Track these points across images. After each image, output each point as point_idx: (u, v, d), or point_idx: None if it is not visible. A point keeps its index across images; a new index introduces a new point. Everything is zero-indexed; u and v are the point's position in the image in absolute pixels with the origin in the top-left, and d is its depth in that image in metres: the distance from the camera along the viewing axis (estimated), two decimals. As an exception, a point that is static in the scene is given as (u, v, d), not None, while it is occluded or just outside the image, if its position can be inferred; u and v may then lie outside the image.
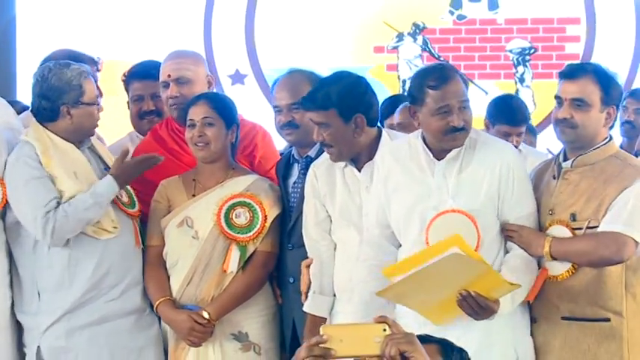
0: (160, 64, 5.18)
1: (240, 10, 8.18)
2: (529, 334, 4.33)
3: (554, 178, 4.38)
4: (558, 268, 4.26)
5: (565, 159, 4.36)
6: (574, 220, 4.26)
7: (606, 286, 4.25)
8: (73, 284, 4.69)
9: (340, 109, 4.46)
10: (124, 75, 5.45)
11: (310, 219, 4.62)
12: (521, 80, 8.15)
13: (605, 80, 4.29)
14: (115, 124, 5.59)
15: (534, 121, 7.93)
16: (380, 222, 4.38)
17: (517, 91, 8.11)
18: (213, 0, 8.19)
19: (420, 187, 4.30)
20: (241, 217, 4.72)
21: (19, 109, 5.74)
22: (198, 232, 4.74)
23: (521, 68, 8.17)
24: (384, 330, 2.81)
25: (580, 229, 4.22)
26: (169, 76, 5.03)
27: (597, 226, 4.20)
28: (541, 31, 8.22)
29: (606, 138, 4.33)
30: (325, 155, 4.60)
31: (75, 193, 4.63)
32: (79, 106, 4.71)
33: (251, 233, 4.71)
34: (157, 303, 4.74)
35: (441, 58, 8.14)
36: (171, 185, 4.84)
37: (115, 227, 4.70)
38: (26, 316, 4.80)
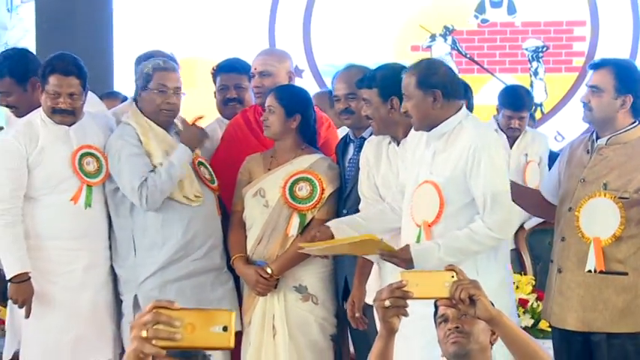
0: (241, 60, 5.26)
1: (298, 15, 8.17)
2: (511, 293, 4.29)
3: (588, 152, 4.35)
4: (604, 235, 4.21)
5: (597, 137, 4.34)
6: (605, 188, 4.23)
7: (627, 246, 4.21)
8: (165, 244, 4.72)
9: (380, 90, 4.49)
10: (213, 69, 5.43)
11: (364, 183, 4.61)
12: (535, 74, 8.09)
13: (621, 71, 4.27)
14: (196, 112, 5.60)
15: (546, 107, 7.95)
16: (402, 192, 4.38)
17: (532, 83, 8.05)
18: (277, 5, 8.19)
19: (416, 163, 4.29)
20: (303, 190, 4.72)
21: (122, 98, 5.81)
22: (268, 201, 4.75)
23: (535, 64, 8.10)
24: (452, 277, 2.83)
25: (624, 198, 4.17)
26: (256, 69, 5.05)
27: (627, 198, 4.17)
28: (552, 32, 8.15)
29: (635, 121, 4.30)
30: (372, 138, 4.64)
31: None
32: (145, 90, 4.75)
33: (310, 204, 4.71)
34: (233, 258, 4.78)
35: (468, 55, 8.11)
36: (253, 160, 4.87)
37: (197, 197, 4.74)
38: (123, 269, 4.82)
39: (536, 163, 6.30)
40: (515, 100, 6.20)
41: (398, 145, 4.55)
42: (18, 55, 5.13)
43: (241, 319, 4.81)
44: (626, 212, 4.18)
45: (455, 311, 3.23)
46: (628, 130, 4.29)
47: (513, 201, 4.23)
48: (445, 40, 8.15)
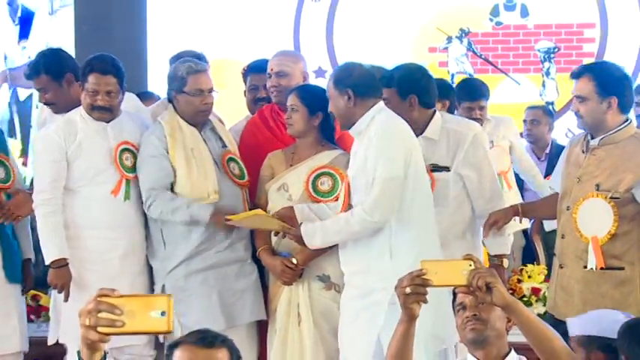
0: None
1: (322, 17, 8.16)
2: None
3: (583, 152, 4.35)
4: (600, 233, 4.21)
5: (592, 137, 4.33)
6: (598, 189, 4.23)
7: (622, 242, 4.22)
8: (191, 237, 4.73)
9: (398, 88, 4.49)
10: (243, 69, 5.46)
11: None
12: (547, 74, 8.05)
13: (599, 76, 4.26)
14: (226, 111, 5.61)
15: (558, 106, 7.90)
16: None
17: (544, 82, 8.03)
18: (302, 8, 8.18)
19: None
20: (325, 185, 4.71)
21: (157, 98, 5.80)
22: (292, 195, 4.75)
23: (547, 64, 8.06)
24: (470, 265, 2.83)
25: (615, 198, 4.18)
26: (272, 69, 5.03)
27: (618, 198, 4.17)
28: (563, 34, 8.11)
29: (625, 121, 4.29)
30: None
31: (185, 173, 4.68)
32: (182, 94, 4.74)
33: (331, 197, 4.68)
34: (259, 250, 4.77)
35: (483, 56, 8.08)
36: (275, 157, 4.87)
37: (215, 193, 4.72)
38: (155, 260, 4.86)
39: (503, 148, 6.22)
40: (472, 91, 6.13)
41: None
42: (52, 53, 5.19)
43: (267, 307, 4.81)
44: (620, 210, 4.18)
45: (472, 299, 3.24)
46: (619, 130, 4.27)
47: (544, 218, 4.26)
48: (461, 41, 8.12)
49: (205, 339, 2.76)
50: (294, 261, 4.67)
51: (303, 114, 4.71)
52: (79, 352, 2.19)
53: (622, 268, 4.22)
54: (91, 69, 4.72)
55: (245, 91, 5.44)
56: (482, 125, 5.95)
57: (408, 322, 2.92)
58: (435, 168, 4.61)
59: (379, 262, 4.34)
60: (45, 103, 5.11)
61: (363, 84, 4.34)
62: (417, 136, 4.53)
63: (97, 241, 4.76)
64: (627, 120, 4.31)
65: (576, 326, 3.58)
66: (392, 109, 4.45)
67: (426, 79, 4.66)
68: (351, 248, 4.46)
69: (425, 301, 2.84)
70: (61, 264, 4.70)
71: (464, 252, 4.34)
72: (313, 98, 4.71)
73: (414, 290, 2.82)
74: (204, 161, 4.74)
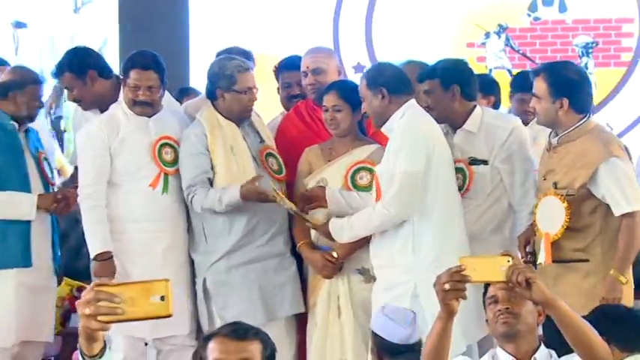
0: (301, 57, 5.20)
1: (361, 13, 8.16)
2: None
3: (547, 150, 4.42)
4: (553, 230, 4.27)
5: (556, 135, 4.39)
6: (556, 187, 4.30)
7: (585, 235, 4.29)
8: (232, 231, 4.76)
9: (442, 79, 4.51)
10: (275, 67, 5.45)
11: None
12: (585, 69, 7.98)
13: (552, 77, 4.33)
14: (267, 106, 5.62)
15: (596, 101, 7.82)
16: None
17: (582, 77, 7.97)
18: (341, 5, 8.17)
19: None
20: (364, 179, 4.72)
21: (197, 94, 5.82)
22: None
23: (585, 59, 7.98)
24: (508, 261, 2.82)
25: (570, 195, 4.25)
26: (308, 67, 5.04)
27: (574, 195, 4.24)
28: (601, 28, 8.02)
29: (583, 118, 4.33)
30: None
31: (224, 170, 4.71)
32: (230, 92, 4.76)
33: (370, 191, 4.65)
34: (299, 244, 4.79)
35: (521, 52, 8.04)
36: (312, 152, 4.89)
37: None
38: (196, 254, 4.89)
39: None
40: (528, 83, 6.10)
41: (454, 134, 4.57)
42: (74, 51, 5.23)
43: (306, 301, 4.84)
44: (579, 205, 4.24)
45: (505, 292, 3.26)
46: (575, 127, 4.31)
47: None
48: (499, 37, 8.07)
49: (238, 331, 2.78)
50: (335, 254, 4.69)
51: (348, 112, 4.72)
52: (79, 345, 2.19)
53: (587, 260, 4.28)
54: (132, 65, 4.77)
55: (278, 89, 5.46)
56: (532, 119, 5.98)
57: (446, 318, 2.91)
58: (473, 161, 4.62)
59: (402, 256, 4.42)
60: (73, 101, 5.16)
61: (395, 82, 4.46)
62: (457, 128, 4.56)
63: (140, 234, 4.81)
64: (584, 118, 4.34)
65: None
66: (434, 101, 4.54)
67: (468, 72, 4.75)
68: (377, 242, 4.53)
69: (464, 297, 2.84)
70: (106, 257, 4.75)
71: (500, 246, 4.40)
72: (354, 94, 4.70)
73: (452, 286, 2.80)
74: (243, 157, 4.77)
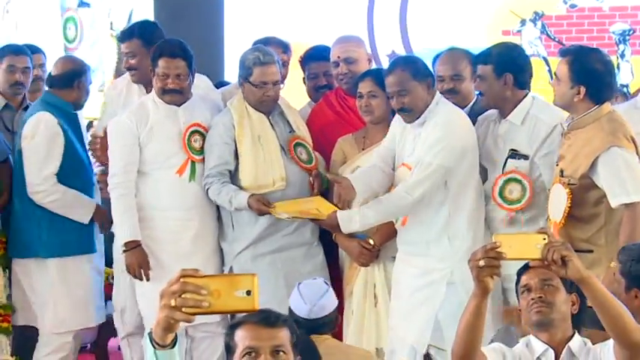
0: (328, 47, 5.17)
1: (395, 2, 8.11)
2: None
3: (562, 136, 4.35)
4: (558, 217, 4.21)
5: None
6: (562, 174, 4.23)
7: (590, 226, 4.23)
8: (258, 220, 4.76)
9: (495, 66, 4.44)
10: (301, 57, 5.41)
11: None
12: (622, 56, 7.89)
13: (576, 63, 4.22)
14: (302, 95, 5.57)
15: (632, 88, 7.73)
16: None
17: (618, 65, 7.83)
18: (375, -7, 8.14)
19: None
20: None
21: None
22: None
23: (622, 46, 7.89)
24: (544, 239, 2.77)
25: (573, 184, 4.18)
26: (339, 57, 5.01)
27: (575, 184, 4.16)
28: (639, 15, 7.93)
29: (594, 106, 4.22)
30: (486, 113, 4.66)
31: (251, 160, 4.72)
32: (247, 83, 4.76)
33: (407, 177, 4.67)
34: (335, 233, 4.75)
35: (557, 39, 7.96)
36: (345, 142, 4.87)
37: (282, 179, 4.74)
38: (224, 243, 4.91)
39: None
40: None
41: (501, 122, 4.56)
42: (147, 21, 5.45)
43: (343, 290, 4.81)
44: (583, 195, 4.17)
45: (538, 281, 3.24)
46: (586, 114, 4.22)
47: None
48: (535, 24, 8.00)
49: (267, 318, 2.76)
50: (371, 242, 4.67)
51: (383, 99, 4.69)
52: (150, 334, 2.17)
53: (591, 251, 4.20)
54: (160, 53, 4.76)
55: (304, 79, 5.41)
56: None
57: (480, 295, 2.86)
58: (513, 154, 4.53)
59: (438, 245, 4.44)
60: (128, 68, 5.13)
61: (433, 76, 4.53)
62: (504, 117, 4.48)
63: (169, 221, 4.83)
64: (595, 105, 4.24)
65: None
66: (485, 87, 4.51)
67: (523, 59, 4.66)
68: (410, 231, 4.52)
69: (499, 275, 2.80)
70: (133, 246, 4.77)
71: None
72: None
73: (487, 263, 2.75)
74: (270, 148, 4.76)
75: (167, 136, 4.81)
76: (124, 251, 4.78)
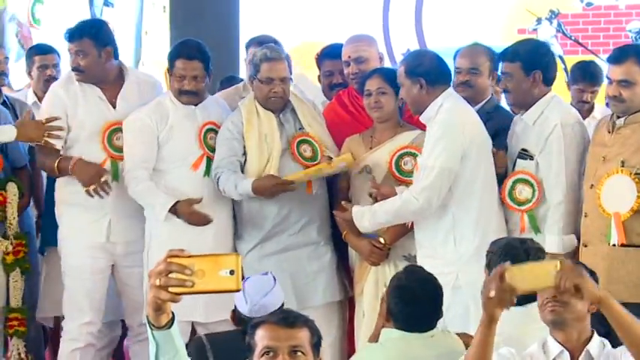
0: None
1: (410, 2, 8.09)
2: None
3: (609, 132, 4.24)
4: (623, 209, 4.12)
5: (618, 117, 4.22)
6: (623, 166, 4.13)
7: None
8: (264, 220, 4.76)
9: (523, 63, 4.39)
10: (317, 54, 5.38)
11: None
12: (638, 54, 7.83)
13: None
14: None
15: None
16: None
17: (635, 63, 7.81)
18: (390, -7, 8.12)
19: None
20: (408, 164, 4.64)
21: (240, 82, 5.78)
22: (375, 177, 4.68)
23: (638, 44, 7.86)
24: (556, 266, 2.74)
25: (638, 174, 4.09)
26: (349, 56, 4.98)
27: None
28: (656, 14, 7.90)
29: None
30: None
31: (255, 159, 4.70)
32: (256, 80, 4.76)
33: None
34: (345, 232, 4.72)
35: (573, 38, 7.91)
36: (353, 141, 4.82)
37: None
38: (237, 241, 4.89)
39: None
40: (590, 75, 5.94)
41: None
42: (99, 21, 5.32)
43: (353, 289, 4.81)
44: None
45: None
46: None
47: None
48: (551, 23, 7.96)
49: (287, 318, 2.78)
50: (382, 240, 4.63)
51: (392, 96, 4.66)
52: (147, 316, 2.20)
53: None
54: (178, 55, 4.77)
55: (319, 77, 5.39)
56: (590, 110, 5.83)
57: (487, 325, 2.84)
58: (521, 154, 4.49)
59: (444, 248, 4.40)
60: (74, 68, 4.94)
61: (434, 72, 4.40)
62: (524, 113, 4.44)
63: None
64: None
65: None
66: (513, 85, 4.43)
67: (551, 55, 4.60)
68: (420, 233, 4.50)
69: (508, 307, 2.78)
70: (176, 207, 4.70)
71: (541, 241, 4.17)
72: (396, 80, 4.62)
73: (498, 295, 2.73)
74: (273, 146, 4.74)
75: (186, 136, 4.80)
76: (177, 215, 4.69)
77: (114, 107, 4.91)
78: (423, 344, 3.56)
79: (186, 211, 4.68)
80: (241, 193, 4.66)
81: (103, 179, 4.77)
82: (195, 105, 4.83)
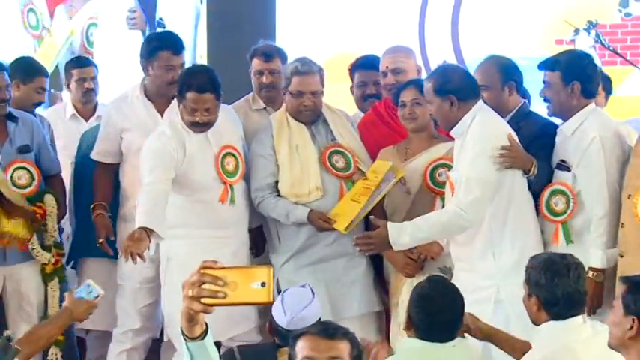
0: (377, 57, 5.14)
1: (447, 12, 8.04)
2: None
3: None
4: None
5: None
6: None
7: None
8: (300, 232, 4.77)
9: (563, 73, 4.35)
10: (351, 65, 5.38)
11: None
12: (675, 65, 7.75)
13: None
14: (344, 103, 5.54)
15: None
16: None
17: (673, 74, 7.73)
18: (427, 3, 8.07)
19: None
20: (443, 176, 4.63)
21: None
22: (410, 188, 4.69)
23: (677, 55, 7.77)
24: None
25: None
26: (387, 67, 4.98)
27: None
28: (695, 24, 7.79)
29: None
30: None
31: (287, 170, 4.73)
32: (286, 93, 4.81)
33: (451, 188, 4.59)
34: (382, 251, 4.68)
35: (611, 48, 7.82)
36: (387, 153, 4.82)
37: (318, 189, 4.73)
38: (272, 254, 4.94)
39: None
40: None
41: None
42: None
43: (389, 300, 4.82)
44: None
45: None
46: None
47: None
48: (589, 33, 7.87)
49: (328, 330, 2.81)
50: (417, 252, 4.59)
51: (426, 107, 4.63)
52: (181, 327, 2.22)
53: None
54: (189, 87, 4.70)
55: (352, 87, 5.37)
56: None
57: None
58: (559, 165, 4.45)
59: (483, 262, 4.35)
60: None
61: (464, 88, 4.35)
62: (563, 124, 4.44)
63: (209, 239, 4.80)
64: None
65: None
66: (551, 94, 4.42)
67: (592, 67, 4.54)
68: (457, 247, 4.45)
69: None
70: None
71: (579, 254, 4.06)
72: None
73: None
74: (307, 158, 4.76)
75: (204, 164, 4.78)
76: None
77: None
78: (445, 355, 3.54)
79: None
80: (294, 221, 4.70)
81: None
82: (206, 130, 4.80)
